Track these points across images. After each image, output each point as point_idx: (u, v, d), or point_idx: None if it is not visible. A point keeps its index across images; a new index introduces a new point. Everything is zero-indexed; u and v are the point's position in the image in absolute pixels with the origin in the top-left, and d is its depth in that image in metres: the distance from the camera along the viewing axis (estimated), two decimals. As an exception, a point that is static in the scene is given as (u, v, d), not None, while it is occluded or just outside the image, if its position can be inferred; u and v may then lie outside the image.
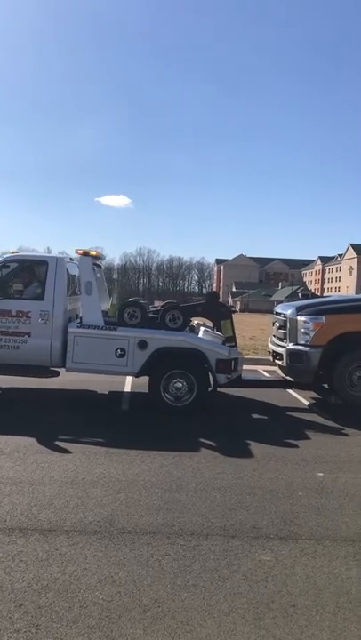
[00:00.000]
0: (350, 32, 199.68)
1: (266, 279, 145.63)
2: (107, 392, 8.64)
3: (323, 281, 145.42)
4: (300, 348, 7.88)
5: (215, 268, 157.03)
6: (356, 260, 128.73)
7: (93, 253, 7.71)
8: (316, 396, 8.84)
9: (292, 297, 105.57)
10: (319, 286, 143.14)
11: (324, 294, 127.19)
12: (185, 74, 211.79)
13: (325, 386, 8.26)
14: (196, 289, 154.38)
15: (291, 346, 8.03)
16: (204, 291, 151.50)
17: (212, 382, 7.44)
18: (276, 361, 8.51)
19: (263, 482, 4.86)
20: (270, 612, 2.87)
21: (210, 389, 7.53)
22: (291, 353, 7.96)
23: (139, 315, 7.53)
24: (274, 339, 8.93)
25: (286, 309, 8.48)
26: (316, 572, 3.31)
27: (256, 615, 2.83)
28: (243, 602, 2.95)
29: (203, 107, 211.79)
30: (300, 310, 8.13)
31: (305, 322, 7.93)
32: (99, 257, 8.10)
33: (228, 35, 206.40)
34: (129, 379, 9.18)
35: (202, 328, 8.21)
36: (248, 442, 6.15)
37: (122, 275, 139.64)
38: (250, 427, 7.01)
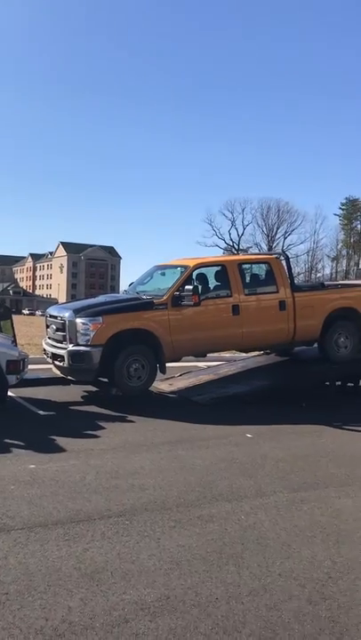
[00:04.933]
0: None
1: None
2: None
3: (34, 278, 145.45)
4: (80, 348, 8.22)
5: None
6: (66, 257, 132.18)
7: None
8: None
9: (3, 294, 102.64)
10: (31, 283, 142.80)
11: (37, 292, 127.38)
12: None
13: (104, 380, 8.74)
14: None
15: (72, 347, 8.30)
16: None
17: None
18: (56, 362, 8.68)
19: (-26, 481, 4.77)
20: (-17, 604, 2.90)
21: None
22: (73, 354, 8.26)
23: None
24: (49, 340, 9.08)
25: (63, 312, 8.80)
26: (29, 558, 3.44)
27: (-32, 611, 2.83)
28: None
29: None
30: (77, 313, 8.51)
31: (84, 323, 8.32)
32: None
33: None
34: None
35: None
36: None
37: None
38: None
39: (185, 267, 9.22)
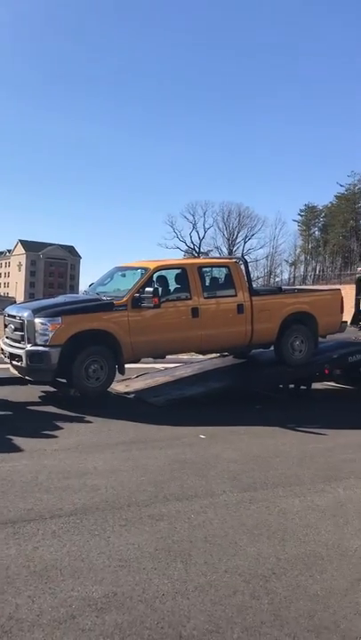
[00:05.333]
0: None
1: None
2: None
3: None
4: (39, 348, 8.19)
5: None
6: (25, 255, 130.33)
7: None
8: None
9: None
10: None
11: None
12: None
13: (62, 380, 8.66)
14: None
15: (30, 347, 8.25)
16: None
17: None
18: (14, 362, 8.62)
19: None
20: None
21: None
22: (31, 354, 8.21)
23: None
24: (7, 340, 9.01)
25: (22, 312, 8.70)
26: (-23, 557, 3.44)
27: None
28: None
29: None
30: (36, 313, 8.45)
31: (43, 324, 8.26)
32: None
33: None
34: None
35: None
36: None
37: None
38: None
39: (145, 268, 9.27)
